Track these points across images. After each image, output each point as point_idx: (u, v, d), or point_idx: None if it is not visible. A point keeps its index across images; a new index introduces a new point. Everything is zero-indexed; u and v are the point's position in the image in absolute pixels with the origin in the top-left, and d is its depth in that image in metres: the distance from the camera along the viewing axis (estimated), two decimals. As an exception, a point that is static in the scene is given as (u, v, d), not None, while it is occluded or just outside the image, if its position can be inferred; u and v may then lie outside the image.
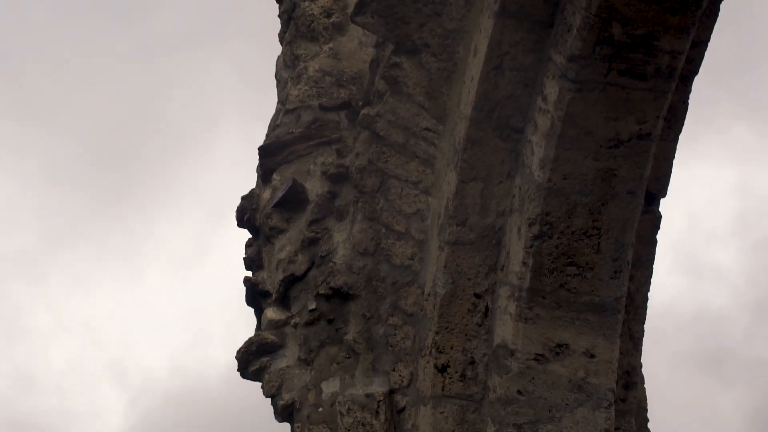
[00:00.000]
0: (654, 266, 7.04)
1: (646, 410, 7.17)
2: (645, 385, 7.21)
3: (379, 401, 6.89)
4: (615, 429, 6.54)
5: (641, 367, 7.11)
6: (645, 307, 7.07)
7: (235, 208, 8.03)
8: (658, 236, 7.14)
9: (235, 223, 8.04)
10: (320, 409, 7.04)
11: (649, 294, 7.13)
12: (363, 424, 6.84)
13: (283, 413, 7.32)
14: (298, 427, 7.16)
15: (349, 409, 6.90)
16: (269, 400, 7.47)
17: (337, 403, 6.95)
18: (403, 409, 6.88)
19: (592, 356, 6.46)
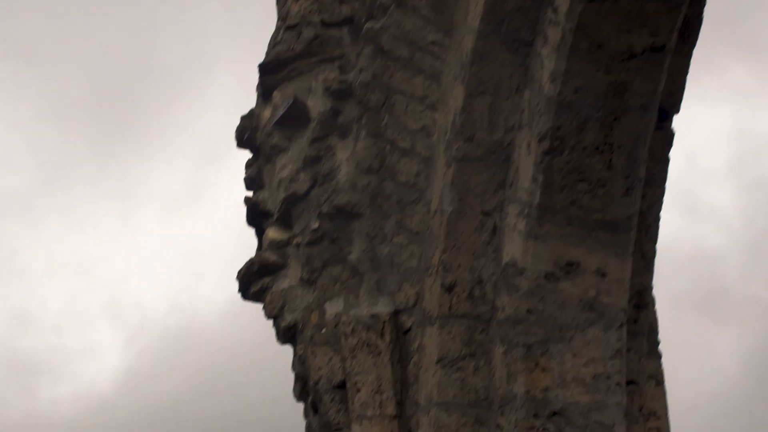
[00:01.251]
0: (666, 184, 6.87)
1: (657, 332, 7.02)
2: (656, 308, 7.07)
3: (384, 322, 6.73)
4: (626, 350, 6.40)
5: (652, 288, 6.96)
6: (657, 226, 6.90)
7: (235, 128, 7.83)
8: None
9: (235, 143, 7.83)
10: (323, 330, 6.89)
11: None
12: (368, 345, 6.69)
13: (285, 335, 7.17)
14: (301, 348, 7.01)
15: (353, 329, 6.74)
16: (269, 327, 7.32)
17: (341, 324, 6.80)
18: (409, 329, 6.73)
19: (604, 275, 6.30)
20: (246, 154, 7.78)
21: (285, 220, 7.24)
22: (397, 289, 6.80)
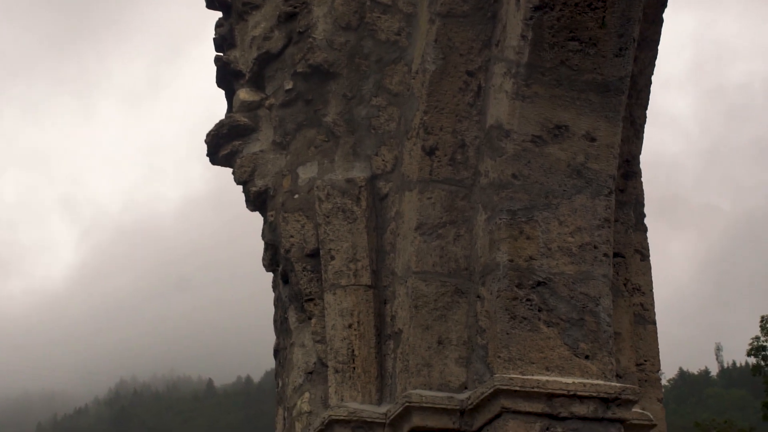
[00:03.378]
0: (659, 47, 6.54)
1: (643, 205, 6.72)
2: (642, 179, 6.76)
3: (360, 187, 6.40)
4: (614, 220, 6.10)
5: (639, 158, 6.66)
6: (648, 92, 6.58)
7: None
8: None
9: (204, 3, 7.41)
10: (296, 196, 6.55)
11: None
12: (343, 211, 6.36)
13: (255, 201, 6.83)
14: (272, 215, 6.68)
15: (328, 194, 6.41)
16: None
17: (315, 189, 6.46)
18: (386, 196, 6.40)
19: (593, 139, 5.98)
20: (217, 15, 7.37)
21: (257, 81, 6.86)
22: (374, 153, 6.46)
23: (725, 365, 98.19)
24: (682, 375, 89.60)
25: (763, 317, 25.20)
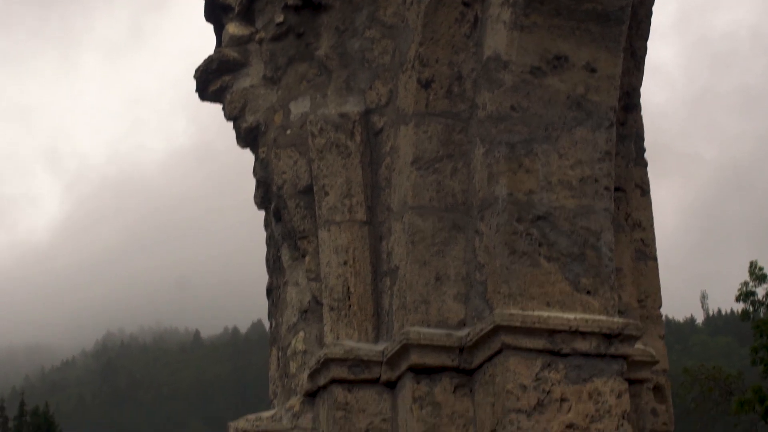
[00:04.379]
0: (660, -23, 6.37)
1: (643, 139, 6.59)
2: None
3: (354, 121, 6.24)
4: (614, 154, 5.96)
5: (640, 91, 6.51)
6: (649, 22, 6.43)
7: None
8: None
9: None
10: (288, 131, 6.39)
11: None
12: (337, 146, 6.20)
13: (246, 137, 6.66)
14: (263, 151, 6.52)
15: (321, 129, 6.25)
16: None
17: (307, 124, 6.29)
18: (381, 130, 6.24)
19: (593, 70, 5.82)
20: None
21: (247, 15, 6.68)
22: (368, 86, 6.29)
23: (711, 313, 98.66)
24: (668, 323, 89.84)
25: (752, 263, 25.16)
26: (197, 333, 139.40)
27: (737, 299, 25.69)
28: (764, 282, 25.42)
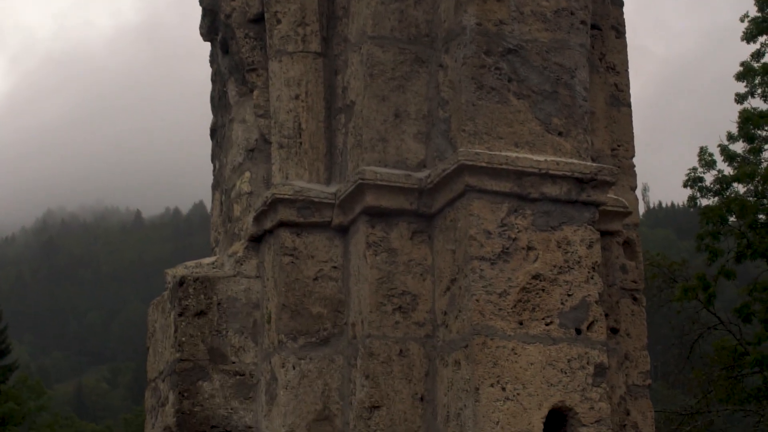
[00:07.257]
0: None
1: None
2: None
3: (310, -56, 5.70)
4: None
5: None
6: None
7: None
8: None
9: None
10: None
11: None
12: (290, -30, 5.66)
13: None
14: (210, -23, 5.98)
15: (273, -49, 5.70)
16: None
17: (259, -55, 5.75)
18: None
19: None
20: None
21: None
22: None
23: (651, 206, 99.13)
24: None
25: (702, 148, 24.84)
26: (138, 213, 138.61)
27: (684, 185, 25.43)
28: (713, 168, 25.17)
